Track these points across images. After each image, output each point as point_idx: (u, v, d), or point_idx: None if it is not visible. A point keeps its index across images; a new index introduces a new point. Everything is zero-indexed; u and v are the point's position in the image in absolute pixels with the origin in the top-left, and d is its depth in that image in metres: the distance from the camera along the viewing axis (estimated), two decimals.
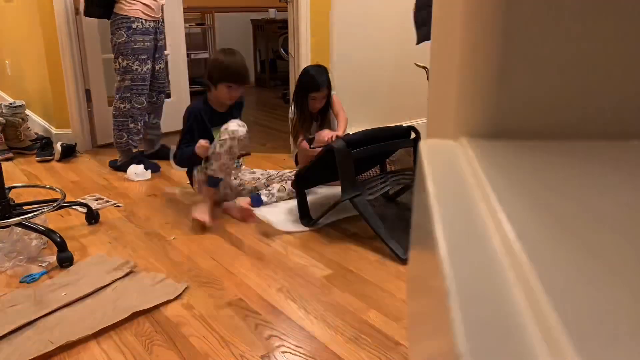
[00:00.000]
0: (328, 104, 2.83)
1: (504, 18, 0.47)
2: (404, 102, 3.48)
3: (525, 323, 0.23)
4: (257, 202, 2.50)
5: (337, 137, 2.50)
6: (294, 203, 2.47)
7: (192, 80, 4.38)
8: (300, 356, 1.47)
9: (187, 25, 4.80)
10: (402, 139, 2.43)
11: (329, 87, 2.77)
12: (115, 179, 3.07)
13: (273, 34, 6.25)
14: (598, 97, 0.49)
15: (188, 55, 4.29)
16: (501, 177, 0.40)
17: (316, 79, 2.71)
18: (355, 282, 1.87)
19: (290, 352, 1.49)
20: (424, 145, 0.50)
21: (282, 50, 6.29)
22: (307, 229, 2.33)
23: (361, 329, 1.58)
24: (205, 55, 6.04)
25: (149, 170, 3.09)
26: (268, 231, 2.30)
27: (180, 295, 1.78)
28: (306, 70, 2.80)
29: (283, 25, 5.95)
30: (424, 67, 3.07)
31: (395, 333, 1.56)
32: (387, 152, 2.64)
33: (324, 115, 2.86)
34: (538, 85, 0.48)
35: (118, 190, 2.88)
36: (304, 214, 2.39)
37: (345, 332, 1.57)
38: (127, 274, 1.91)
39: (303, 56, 3.26)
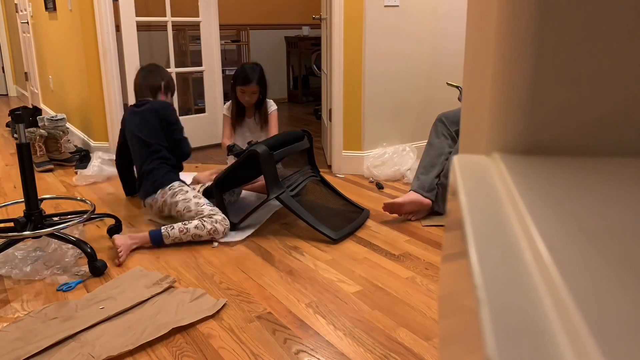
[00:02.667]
0: (263, 100, 3.00)
1: (537, 34, 0.47)
2: (434, 119, 3.46)
3: (555, 332, 0.23)
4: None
5: (257, 142, 2.60)
6: None
7: (225, 95, 4.46)
8: None
9: (223, 42, 4.90)
10: (301, 142, 2.67)
11: (261, 85, 2.94)
12: None
13: (306, 51, 6.33)
14: (631, 114, 0.48)
15: (223, 71, 4.38)
16: (533, 193, 0.39)
17: (247, 74, 2.89)
18: (384, 299, 1.86)
19: None
20: (457, 161, 0.50)
21: (314, 66, 6.36)
22: (243, 237, 2.39)
23: (391, 347, 1.57)
24: None
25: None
26: (298, 246, 2.31)
27: (218, 311, 1.78)
28: (241, 66, 2.99)
29: (316, 42, 6.03)
30: (457, 87, 3.06)
31: (425, 352, 1.54)
32: (291, 154, 2.75)
33: (260, 112, 3.03)
34: (570, 101, 0.48)
35: None
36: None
37: (375, 350, 1.56)
38: (166, 289, 1.92)
39: (336, 72, 3.28)
